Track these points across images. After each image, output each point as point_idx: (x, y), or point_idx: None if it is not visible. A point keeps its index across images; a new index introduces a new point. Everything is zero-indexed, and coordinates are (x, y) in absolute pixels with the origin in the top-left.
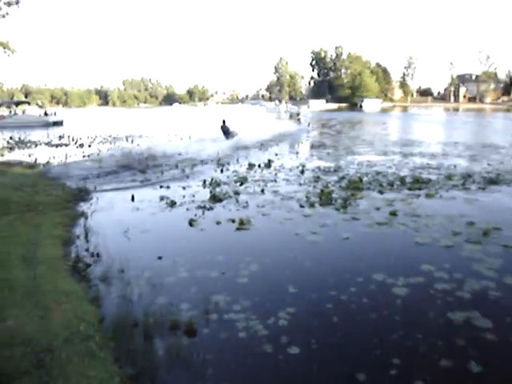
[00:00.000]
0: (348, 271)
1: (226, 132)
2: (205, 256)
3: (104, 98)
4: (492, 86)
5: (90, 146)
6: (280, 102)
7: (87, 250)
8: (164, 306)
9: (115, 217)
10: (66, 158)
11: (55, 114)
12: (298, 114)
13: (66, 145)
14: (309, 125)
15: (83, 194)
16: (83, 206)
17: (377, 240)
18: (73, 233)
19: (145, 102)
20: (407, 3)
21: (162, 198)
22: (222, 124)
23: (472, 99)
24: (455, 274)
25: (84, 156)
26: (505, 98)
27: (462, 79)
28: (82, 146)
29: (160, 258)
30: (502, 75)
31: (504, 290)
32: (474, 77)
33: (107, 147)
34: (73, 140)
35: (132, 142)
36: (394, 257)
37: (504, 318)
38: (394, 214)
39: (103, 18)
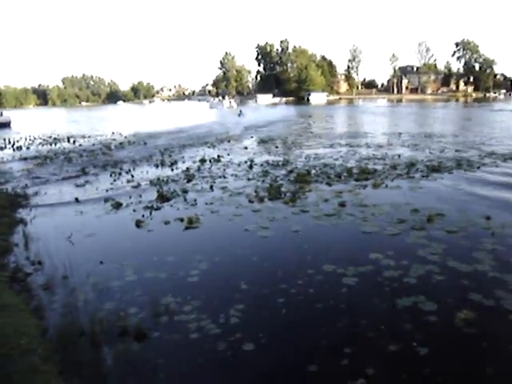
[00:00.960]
0: (298, 264)
1: None
2: (153, 257)
3: (43, 97)
4: (432, 77)
5: (28, 148)
6: (223, 97)
7: (27, 258)
8: (112, 311)
9: (57, 221)
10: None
11: (1, 114)
12: (240, 111)
13: (1, 148)
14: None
15: (21, 199)
16: (22, 212)
17: (326, 231)
18: (10, 241)
19: (87, 101)
20: None
21: (106, 200)
22: None
23: (414, 90)
24: (402, 261)
25: (22, 159)
26: (444, 89)
27: (404, 71)
28: (19, 148)
29: (105, 262)
30: (441, 67)
31: (447, 274)
32: (415, 69)
33: (47, 149)
34: (9, 142)
35: (74, 142)
36: (343, 247)
37: (447, 300)
38: (342, 205)
39: (39, 11)
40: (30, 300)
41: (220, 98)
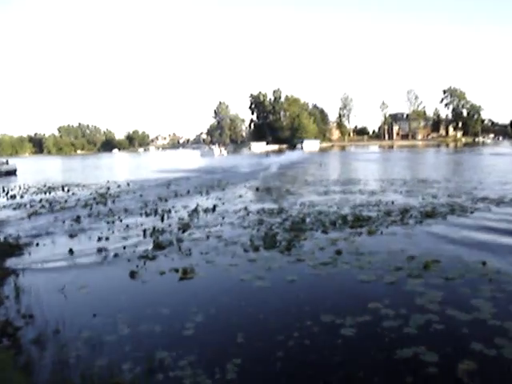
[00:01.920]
0: (295, 314)
1: None
2: (147, 310)
3: (38, 145)
4: (422, 123)
5: (22, 197)
6: (215, 145)
7: (18, 311)
8: (104, 367)
9: (50, 273)
10: None
11: (7, 162)
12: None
13: None
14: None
15: (13, 250)
16: (13, 263)
17: (323, 281)
18: (1, 293)
19: (82, 149)
20: (341, 47)
21: (100, 250)
22: None
23: (405, 136)
24: (400, 310)
25: (16, 208)
26: (434, 135)
27: (395, 118)
28: (13, 197)
29: (99, 315)
30: (430, 113)
31: (447, 323)
32: (405, 115)
33: (41, 198)
34: (3, 191)
35: (68, 191)
36: (341, 296)
37: (448, 350)
38: (337, 253)
39: (36, 60)
40: (19, 355)
41: (211, 146)
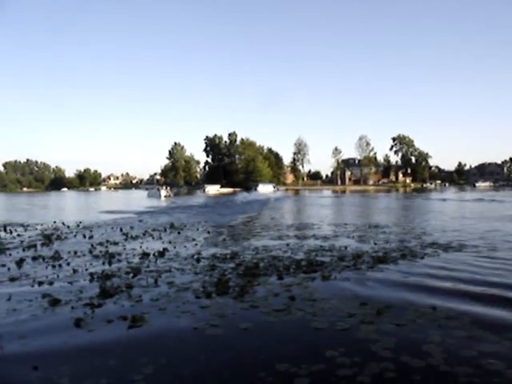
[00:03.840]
0: (250, 364)
1: None
2: (94, 361)
3: None
4: (373, 169)
5: None
6: (162, 187)
7: None
8: None
9: None
10: None
11: None
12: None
13: None
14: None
15: None
16: None
17: (277, 328)
18: None
19: (29, 187)
20: (296, 93)
21: (43, 296)
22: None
23: (357, 181)
24: (355, 358)
25: None
26: (385, 180)
27: (347, 163)
28: None
29: (40, 368)
30: (381, 159)
31: (400, 370)
32: (356, 161)
33: None
34: None
35: (11, 232)
36: (295, 344)
37: None
38: (291, 299)
39: None
40: None
41: (158, 188)
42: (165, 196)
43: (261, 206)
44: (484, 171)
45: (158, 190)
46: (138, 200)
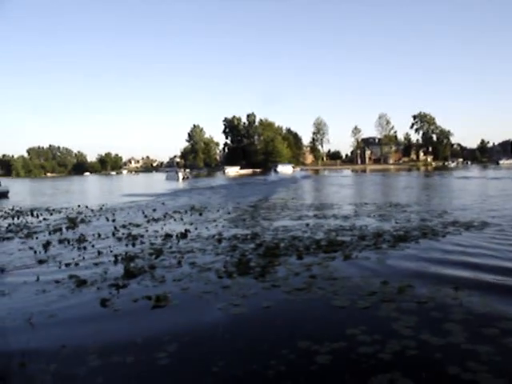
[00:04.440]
0: (272, 342)
1: None
2: (119, 339)
3: (6, 167)
4: (393, 148)
5: None
6: (180, 170)
7: None
8: None
9: (16, 302)
10: None
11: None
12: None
13: None
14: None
15: None
16: None
17: (298, 306)
18: None
19: (52, 172)
20: (315, 72)
21: (70, 277)
22: None
23: (377, 160)
24: (376, 336)
25: None
26: (405, 159)
27: (367, 142)
28: None
29: (68, 346)
30: (402, 137)
31: (421, 348)
32: (377, 140)
33: (8, 223)
34: None
35: (38, 216)
36: (316, 322)
37: (423, 376)
38: (312, 277)
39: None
40: None
41: (177, 170)
42: (183, 178)
43: (288, 183)
44: (508, 148)
45: (176, 172)
46: (158, 183)
